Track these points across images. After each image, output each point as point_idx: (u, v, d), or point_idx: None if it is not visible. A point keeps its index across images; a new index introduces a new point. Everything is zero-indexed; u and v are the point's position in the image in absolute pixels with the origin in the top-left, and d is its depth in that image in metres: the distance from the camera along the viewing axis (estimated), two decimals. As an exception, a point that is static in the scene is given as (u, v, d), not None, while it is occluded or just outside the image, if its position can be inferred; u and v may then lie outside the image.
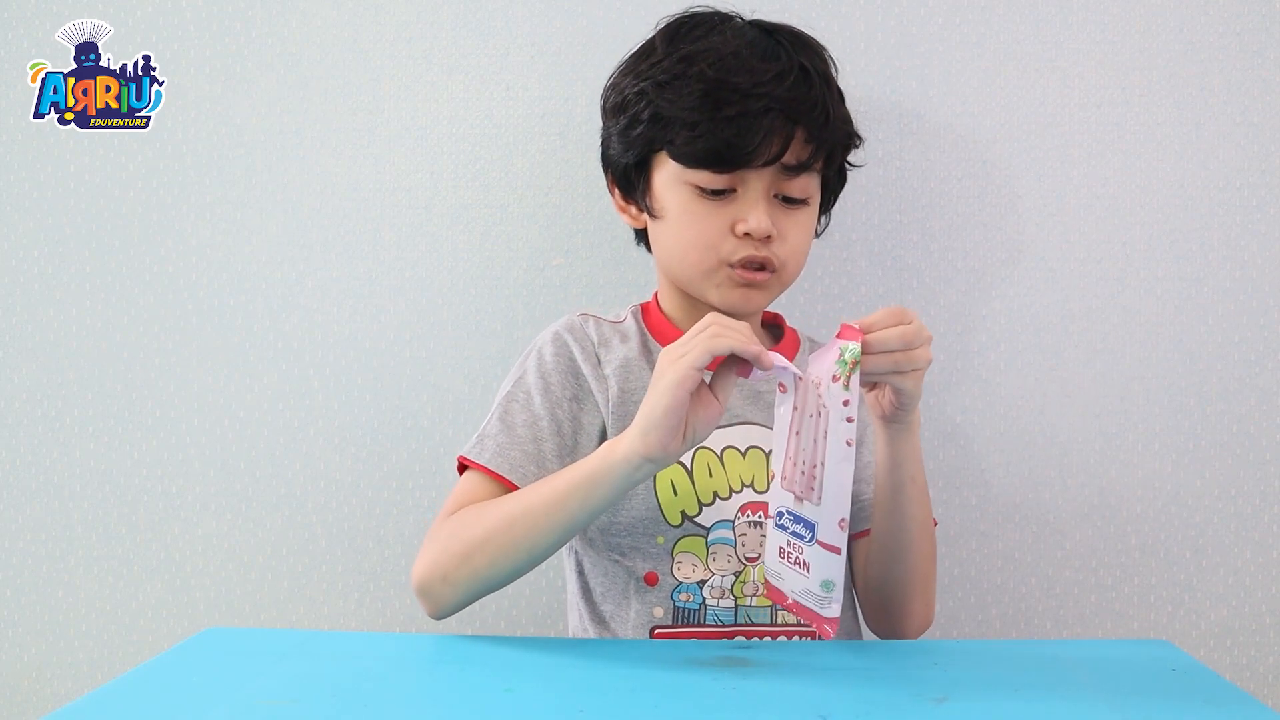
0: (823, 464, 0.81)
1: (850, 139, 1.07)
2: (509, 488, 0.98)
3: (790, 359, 1.10)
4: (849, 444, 0.80)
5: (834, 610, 0.82)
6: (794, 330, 1.15)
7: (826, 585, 0.82)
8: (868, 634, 1.13)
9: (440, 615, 0.96)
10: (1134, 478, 1.28)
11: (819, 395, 0.83)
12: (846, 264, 1.28)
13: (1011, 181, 1.28)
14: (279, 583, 1.31)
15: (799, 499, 0.84)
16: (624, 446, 0.86)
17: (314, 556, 1.31)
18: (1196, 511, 1.29)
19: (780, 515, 0.86)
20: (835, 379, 0.81)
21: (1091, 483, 1.28)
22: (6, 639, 1.33)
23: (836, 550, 0.82)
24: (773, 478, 0.87)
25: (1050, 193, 1.28)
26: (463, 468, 1.02)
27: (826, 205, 1.12)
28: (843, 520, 0.81)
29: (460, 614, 1.28)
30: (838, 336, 0.85)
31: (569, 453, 1.02)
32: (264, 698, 0.76)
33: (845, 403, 0.80)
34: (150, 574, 1.32)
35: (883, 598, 1.05)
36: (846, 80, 1.26)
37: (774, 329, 1.16)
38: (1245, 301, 1.28)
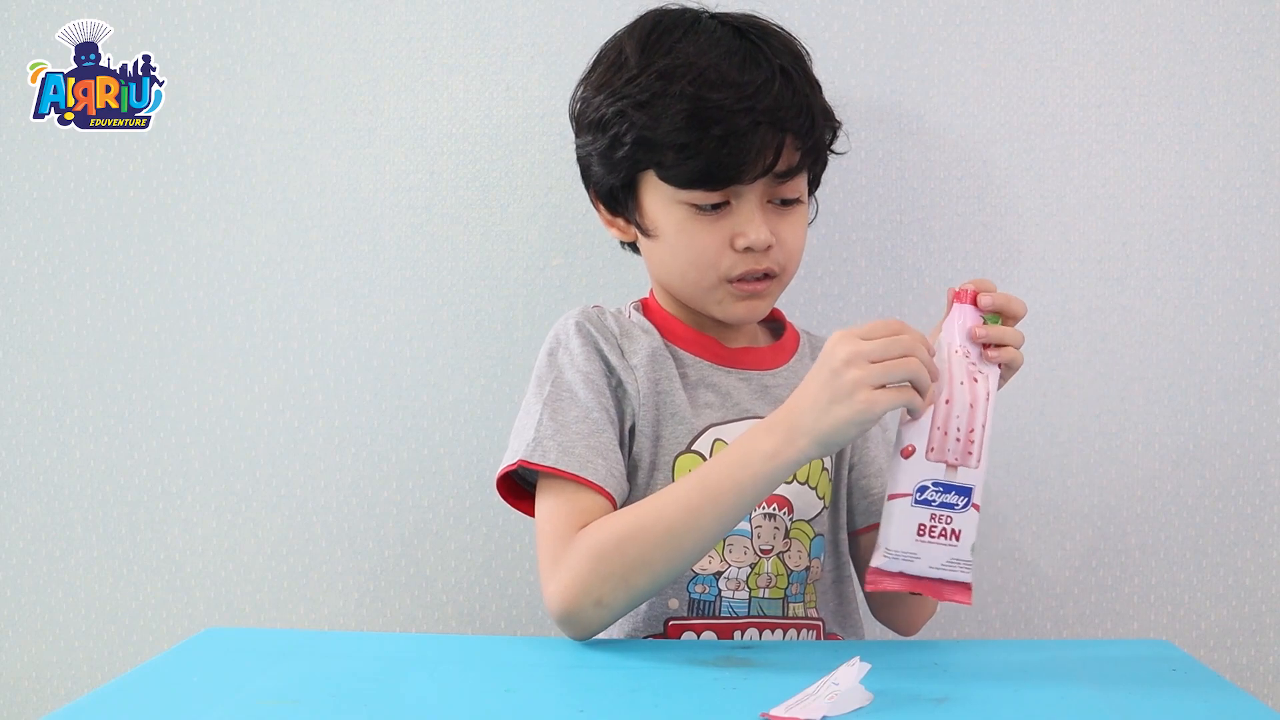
0: (984, 426, 0.85)
1: (834, 131, 1.06)
2: (586, 485, 0.95)
3: (789, 357, 1.11)
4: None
5: (971, 574, 0.85)
6: (793, 326, 1.15)
7: (974, 549, 0.85)
8: (869, 632, 1.14)
9: (588, 637, 0.93)
10: (1134, 478, 1.28)
11: (970, 362, 0.86)
12: (846, 264, 1.28)
13: (1011, 181, 1.28)
14: (279, 583, 1.31)
15: (952, 467, 0.84)
16: (796, 450, 0.86)
17: (314, 556, 1.31)
18: (1196, 511, 1.29)
19: (923, 490, 0.85)
20: (988, 346, 0.87)
21: (1091, 483, 1.28)
22: (6, 639, 1.33)
23: (979, 508, 0.85)
24: (910, 453, 0.85)
25: (1050, 193, 1.28)
26: (504, 480, 1.00)
27: (811, 192, 1.10)
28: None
29: (460, 614, 1.30)
30: (957, 301, 0.87)
31: (623, 443, 1.00)
32: (264, 698, 0.76)
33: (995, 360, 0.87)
34: (150, 574, 1.32)
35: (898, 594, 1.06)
36: (848, 81, 1.26)
37: (774, 325, 1.16)
38: (1245, 301, 1.28)
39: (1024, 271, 1.28)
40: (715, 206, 0.99)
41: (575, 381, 1.00)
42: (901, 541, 0.85)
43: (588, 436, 0.97)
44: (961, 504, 0.84)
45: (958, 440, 0.84)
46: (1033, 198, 1.28)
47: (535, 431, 0.97)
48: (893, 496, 0.85)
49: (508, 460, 0.98)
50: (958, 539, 0.84)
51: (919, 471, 0.85)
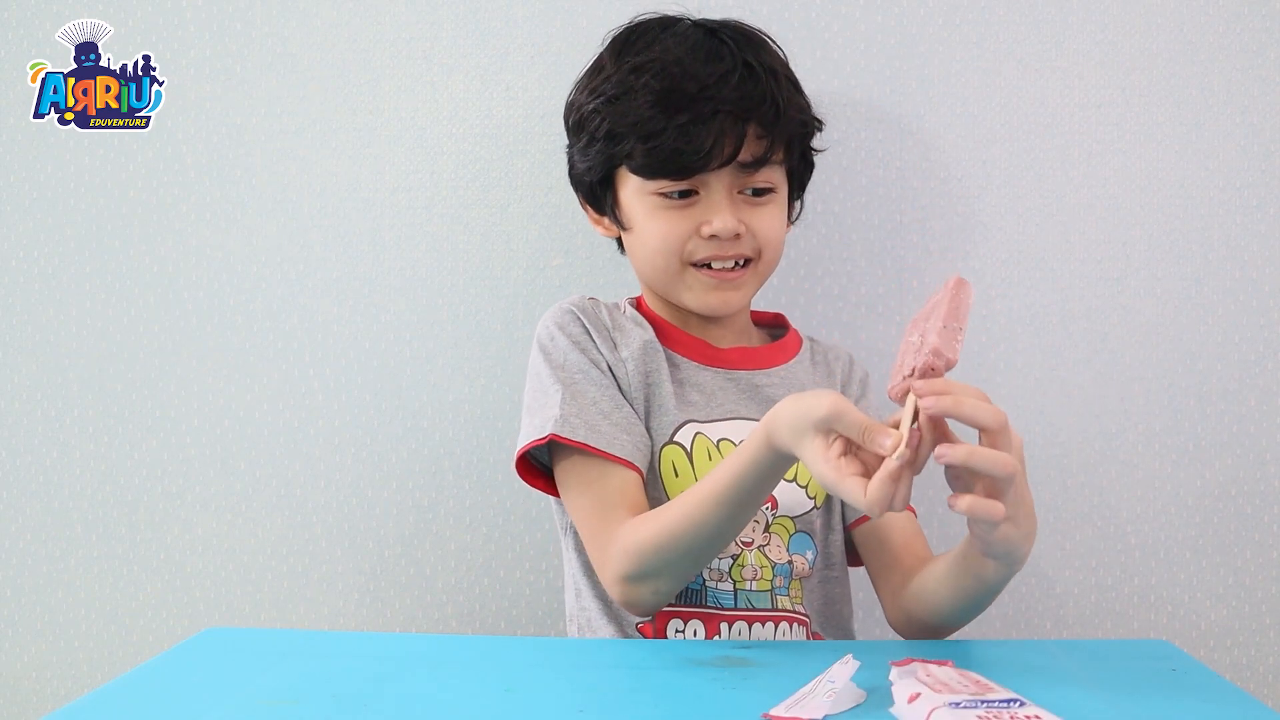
0: None
1: (807, 126, 1.07)
2: (614, 460, 0.97)
3: (787, 359, 1.11)
4: None
5: None
6: (795, 330, 1.15)
7: None
8: (858, 634, 1.13)
9: (654, 612, 0.99)
10: (1134, 478, 1.28)
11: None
12: (846, 264, 1.28)
13: (1011, 181, 1.28)
14: (279, 583, 1.31)
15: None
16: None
17: (314, 556, 1.31)
18: (1196, 511, 1.28)
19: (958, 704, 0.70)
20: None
21: (1091, 483, 1.28)
22: (6, 639, 1.33)
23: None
24: (915, 698, 0.72)
25: (1050, 193, 1.27)
26: (522, 467, 1.03)
27: (796, 192, 1.12)
28: None
29: (460, 614, 1.30)
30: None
31: (643, 417, 1.03)
32: (264, 698, 0.76)
33: None
34: (150, 574, 1.32)
35: (940, 622, 1.00)
36: (848, 81, 1.26)
37: (775, 329, 1.16)
38: (1245, 301, 1.28)
39: (1024, 271, 1.28)
40: (684, 195, 1.02)
41: (584, 362, 1.03)
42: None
43: (610, 414, 1.00)
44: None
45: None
46: (1033, 198, 1.28)
47: (561, 409, 0.99)
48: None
49: (535, 434, 0.99)
50: None
51: (927, 704, 0.70)
